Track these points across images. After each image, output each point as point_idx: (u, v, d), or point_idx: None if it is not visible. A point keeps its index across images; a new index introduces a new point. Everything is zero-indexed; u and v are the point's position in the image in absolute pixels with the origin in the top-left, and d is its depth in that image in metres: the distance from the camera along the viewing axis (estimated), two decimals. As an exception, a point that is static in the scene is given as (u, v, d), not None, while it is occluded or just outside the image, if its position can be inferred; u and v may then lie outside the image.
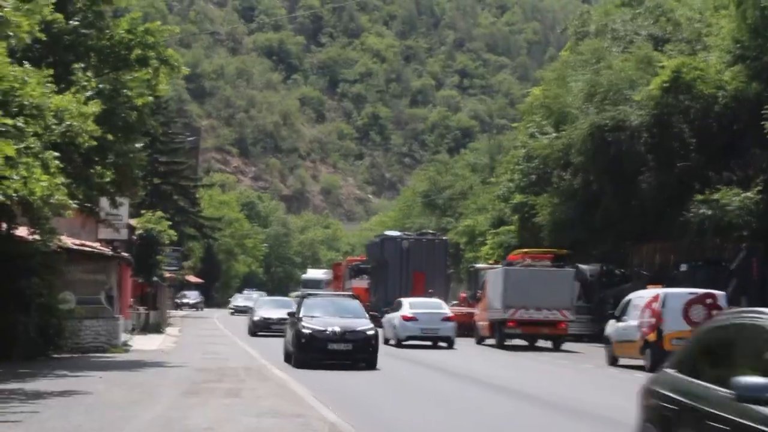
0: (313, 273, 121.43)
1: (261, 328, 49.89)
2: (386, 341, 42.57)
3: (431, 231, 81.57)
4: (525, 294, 43.24)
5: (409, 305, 44.15)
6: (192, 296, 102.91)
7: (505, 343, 44.16)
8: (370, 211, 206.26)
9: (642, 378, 17.65)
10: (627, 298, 35.15)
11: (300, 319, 30.64)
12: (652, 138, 48.58)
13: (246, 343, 43.27)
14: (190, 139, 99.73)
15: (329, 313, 31.21)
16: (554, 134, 57.47)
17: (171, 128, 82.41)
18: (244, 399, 20.66)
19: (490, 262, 59.85)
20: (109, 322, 35.69)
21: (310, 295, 35.33)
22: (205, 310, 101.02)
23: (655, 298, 32.33)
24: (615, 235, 54.87)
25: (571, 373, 32.12)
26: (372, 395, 23.53)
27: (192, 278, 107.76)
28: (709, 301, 31.28)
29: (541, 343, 45.42)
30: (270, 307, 51.55)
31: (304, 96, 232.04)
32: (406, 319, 43.13)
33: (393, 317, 44.64)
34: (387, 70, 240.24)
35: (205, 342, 43.54)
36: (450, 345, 42.85)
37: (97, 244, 37.59)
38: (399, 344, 42.67)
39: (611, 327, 34.70)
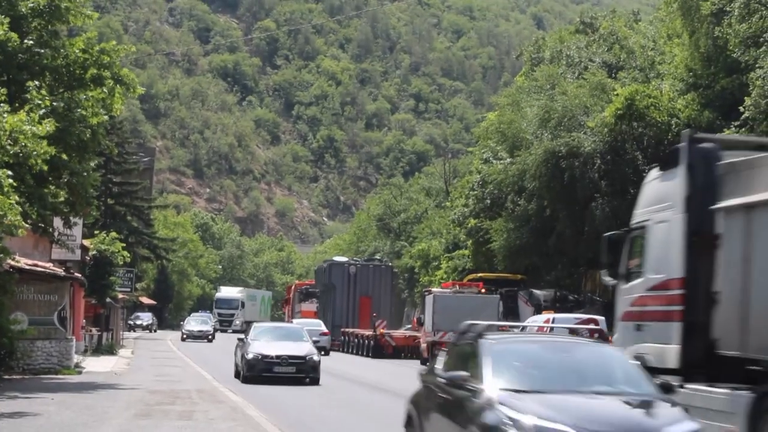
0: (227, 291, 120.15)
1: (259, 371, 32.83)
2: None
3: (378, 257, 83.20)
4: (452, 318, 45.15)
5: (295, 324, 54.49)
6: (145, 318, 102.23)
7: None
8: (324, 234, 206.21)
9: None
10: (525, 323, 36.06)
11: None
12: (605, 164, 48.90)
13: (199, 364, 43.05)
14: (145, 159, 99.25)
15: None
16: (509, 159, 57.72)
17: (125, 149, 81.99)
18: (196, 421, 20.58)
19: (443, 286, 60.32)
20: (61, 344, 35.38)
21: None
22: (159, 331, 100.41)
23: (547, 321, 36.59)
24: (568, 260, 55.20)
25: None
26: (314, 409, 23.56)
27: (145, 299, 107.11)
28: (591, 324, 33.94)
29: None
30: (271, 339, 34.78)
31: (259, 118, 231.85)
32: None
33: None
34: (342, 93, 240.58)
35: (158, 364, 43.29)
36: (326, 353, 54.80)
37: (49, 265, 37.28)
38: None
39: None
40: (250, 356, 32.92)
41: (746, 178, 15.71)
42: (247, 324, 37.42)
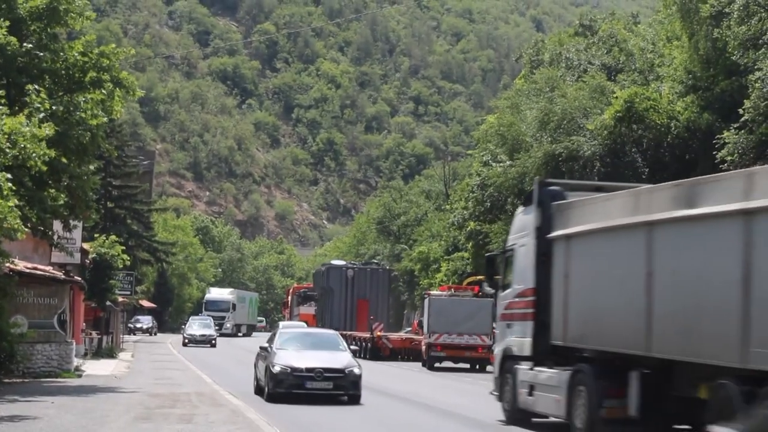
0: (217, 293, 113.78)
1: (288, 387, 27.28)
2: None
3: (375, 261, 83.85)
4: (448, 321, 49.00)
5: (281, 326, 59.05)
6: (145, 321, 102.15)
7: (436, 366, 49.95)
8: (324, 237, 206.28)
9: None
10: None
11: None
12: (605, 167, 48.85)
13: (199, 368, 43.05)
14: (144, 162, 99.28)
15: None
16: (508, 162, 57.70)
17: (125, 152, 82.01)
18: (196, 425, 20.58)
19: (440, 289, 60.61)
20: (61, 347, 35.37)
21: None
22: (159, 335, 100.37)
23: None
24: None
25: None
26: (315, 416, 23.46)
27: (145, 303, 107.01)
28: None
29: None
30: (301, 347, 29.01)
31: (259, 121, 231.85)
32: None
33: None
34: (342, 96, 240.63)
35: (158, 367, 43.28)
36: None
37: (49, 268, 37.28)
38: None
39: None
40: (276, 369, 27.10)
41: (566, 215, 21.51)
42: (241, 327, 34.45)
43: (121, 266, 54.91)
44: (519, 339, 23.05)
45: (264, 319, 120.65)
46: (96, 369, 39.97)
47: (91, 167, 33.54)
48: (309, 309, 79.09)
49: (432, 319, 49.62)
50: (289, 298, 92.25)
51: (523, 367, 22.63)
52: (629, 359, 18.50)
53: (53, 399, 25.52)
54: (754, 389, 14.97)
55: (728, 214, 15.77)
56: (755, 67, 40.03)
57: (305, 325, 63.05)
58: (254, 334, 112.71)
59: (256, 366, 30.41)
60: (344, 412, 25.39)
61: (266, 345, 29.24)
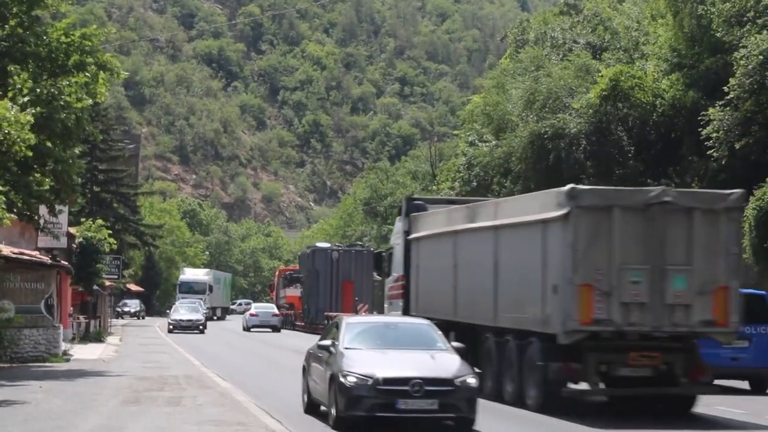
0: (192, 274, 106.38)
1: (371, 408, 18.19)
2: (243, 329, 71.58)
3: (360, 243, 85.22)
4: None
5: (253, 307, 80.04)
6: (133, 305, 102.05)
7: None
8: (311, 219, 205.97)
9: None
10: None
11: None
12: (591, 145, 48.91)
13: (186, 350, 43.04)
14: (130, 146, 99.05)
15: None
16: (494, 142, 57.72)
17: (110, 136, 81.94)
18: (184, 407, 20.60)
19: None
20: (48, 332, 35.34)
21: None
22: (147, 318, 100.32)
23: None
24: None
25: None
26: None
27: (133, 287, 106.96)
28: None
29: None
30: (382, 345, 19.81)
31: (245, 103, 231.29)
32: (251, 315, 73.96)
33: (245, 314, 76.66)
34: (327, 77, 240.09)
35: (146, 351, 43.29)
36: (277, 330, 71.62)
37: (36, 253, 37.22)
38: (248, 330, 71.06)
39: None
40: (351, 380, 18.07)
41: (419, 223, 29.81)
42: (216, 310, 32.02)
43: (107, 250, 54.82)
44: (397, 312, 31.07)
45: (251, 301, 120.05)
46: (84, 353, 39.95)
47: (77, 151, 33.43)
48: (295, 291, 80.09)
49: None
50: (276, 280, 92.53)
51: None
52: (448, 323, 25.92)
53: (41, 383, 25.52)
54: (502, 339, 23.90)
55: (487, 228, 24.67)
56: (740, 44, 40.10)
57: (273, 307, 64.65)
58: (228, 317, 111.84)
59: (307, 373, 21.34)
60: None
61: (326, 342, 20.04)
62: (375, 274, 44.06)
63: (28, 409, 19.93)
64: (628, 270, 20.82)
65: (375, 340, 19.72)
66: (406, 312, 29.69)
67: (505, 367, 23.53)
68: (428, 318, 23.07)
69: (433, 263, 28.22)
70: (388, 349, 19.24)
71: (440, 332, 20.49)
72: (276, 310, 76.57)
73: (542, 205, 22.49)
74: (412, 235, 29.82)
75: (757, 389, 28.27)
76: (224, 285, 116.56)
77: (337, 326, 20.44)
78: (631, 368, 21.41)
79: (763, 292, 32.27)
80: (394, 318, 23.91)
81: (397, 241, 31.84)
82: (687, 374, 21.54)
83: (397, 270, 31.52)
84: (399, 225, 31.61)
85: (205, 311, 75.99)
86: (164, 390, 24.34)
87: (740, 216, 23.15)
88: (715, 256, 21.26)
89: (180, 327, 65.45)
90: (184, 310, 69.68)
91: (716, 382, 23.84)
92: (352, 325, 20.35)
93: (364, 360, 18.68)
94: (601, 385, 21.79)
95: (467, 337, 24.42)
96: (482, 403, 19.34)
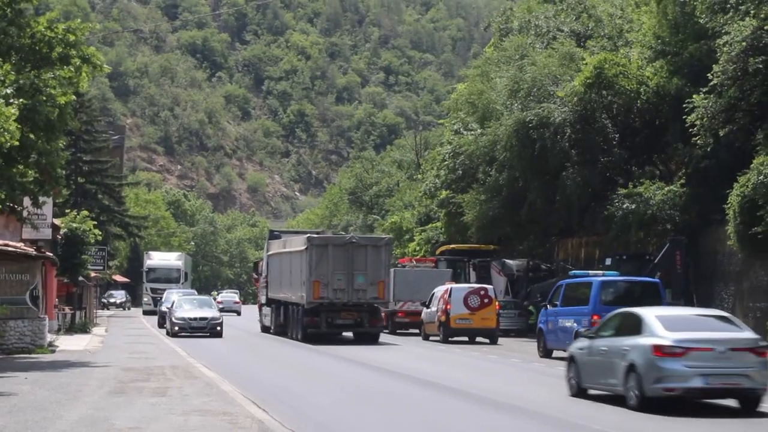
0: (161, 258, 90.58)
1: None
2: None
3: (342, 233, 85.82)
4: (410, 289, 51.70)
5: (219, 296, 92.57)
6: (118, 296, 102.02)
7: (399, 331, 52.88)
8: (296, 209, 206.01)
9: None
10: (433, 291, 46.88)
11: None
12: (575, 134, 48.91)
13: (172, 342, 43.03)
14: (115, 137, 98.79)
15: None
16: (479, 130, 57.70)
17: (94, 127, 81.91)
18: (170, 398, 20.61)
19: (399, 262, 60.71)
20: (34, 323, 35.32)
21: None
22: (132, 309, 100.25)
23: (447, 291, 44.78)
24: (540, 230, 55.38)
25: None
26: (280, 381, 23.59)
27: (118, 277, 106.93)
28: (482, 292, 44.64)
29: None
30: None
31: (229, 94, 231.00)
32: (218, 302, 72.46)
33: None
34: (312, 67, 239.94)
35: (131, 341, 43.28)
36: (239, 314, 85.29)
37: (21, 244, 37.15)
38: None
39: (425, 313, 47.30)
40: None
41: (271, 246, 51.65)
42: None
43: (93, 241, 54.75)
44: (262, 297, 53.39)
45: (238, 292, 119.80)
46: (69, 344, 39.93)
47: (60, 143, 33.38)
48: None
49: (397, 289, 50.94)
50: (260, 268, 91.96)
51: (265, 308, 53.06)
52: (278, 300, 49.12)
53: (27, 375, 25.51)
54: (291, 307, 46.32)
55: (288, 251, 47.26)
56: (723, 31, 40.09)
57: (236, 295, 66.02)
58: None
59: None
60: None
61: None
62: (253, 274, 68.35)
63: (14, 400, 19.92)
64: (336, 273, 42.57)
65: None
66: (266, 298, 52.17)
67: (293, 320, 46.10)
68: (275, 299, 50.22)
69: (276, 269, 49.93)
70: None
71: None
72: (237, 298, 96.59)
73: (301, 242, 43.96)
74: (268, 253, 51.88)
75: None
76: (192, 271, 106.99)
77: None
78: (342, 319, 43.63)
79: (657, 280, 34.55)
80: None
81: (264, 255, 53.96)
82: (369, 323, 43.50)
83: (264, 273, 53.34)
84: (266, 245, 53.40)
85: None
86: (150, 380, 24.34)
87: (390, 248, 46.04)
88: (378, 267, 43.02)
89: (189, 329, 47.90)
90: (189, 306, 50.03)
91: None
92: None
93: None
94: (325, 327, 43.20)
95: (284, 307, 48.23)
96: (270, 338, 47.67)
